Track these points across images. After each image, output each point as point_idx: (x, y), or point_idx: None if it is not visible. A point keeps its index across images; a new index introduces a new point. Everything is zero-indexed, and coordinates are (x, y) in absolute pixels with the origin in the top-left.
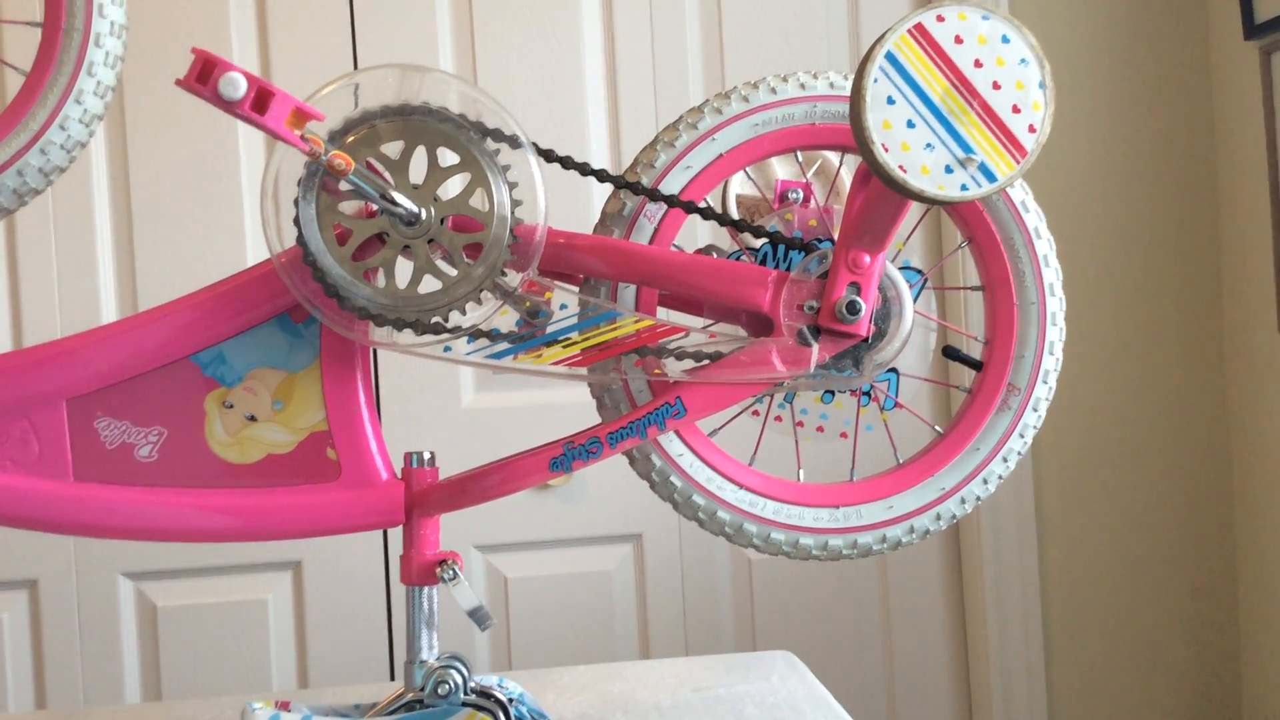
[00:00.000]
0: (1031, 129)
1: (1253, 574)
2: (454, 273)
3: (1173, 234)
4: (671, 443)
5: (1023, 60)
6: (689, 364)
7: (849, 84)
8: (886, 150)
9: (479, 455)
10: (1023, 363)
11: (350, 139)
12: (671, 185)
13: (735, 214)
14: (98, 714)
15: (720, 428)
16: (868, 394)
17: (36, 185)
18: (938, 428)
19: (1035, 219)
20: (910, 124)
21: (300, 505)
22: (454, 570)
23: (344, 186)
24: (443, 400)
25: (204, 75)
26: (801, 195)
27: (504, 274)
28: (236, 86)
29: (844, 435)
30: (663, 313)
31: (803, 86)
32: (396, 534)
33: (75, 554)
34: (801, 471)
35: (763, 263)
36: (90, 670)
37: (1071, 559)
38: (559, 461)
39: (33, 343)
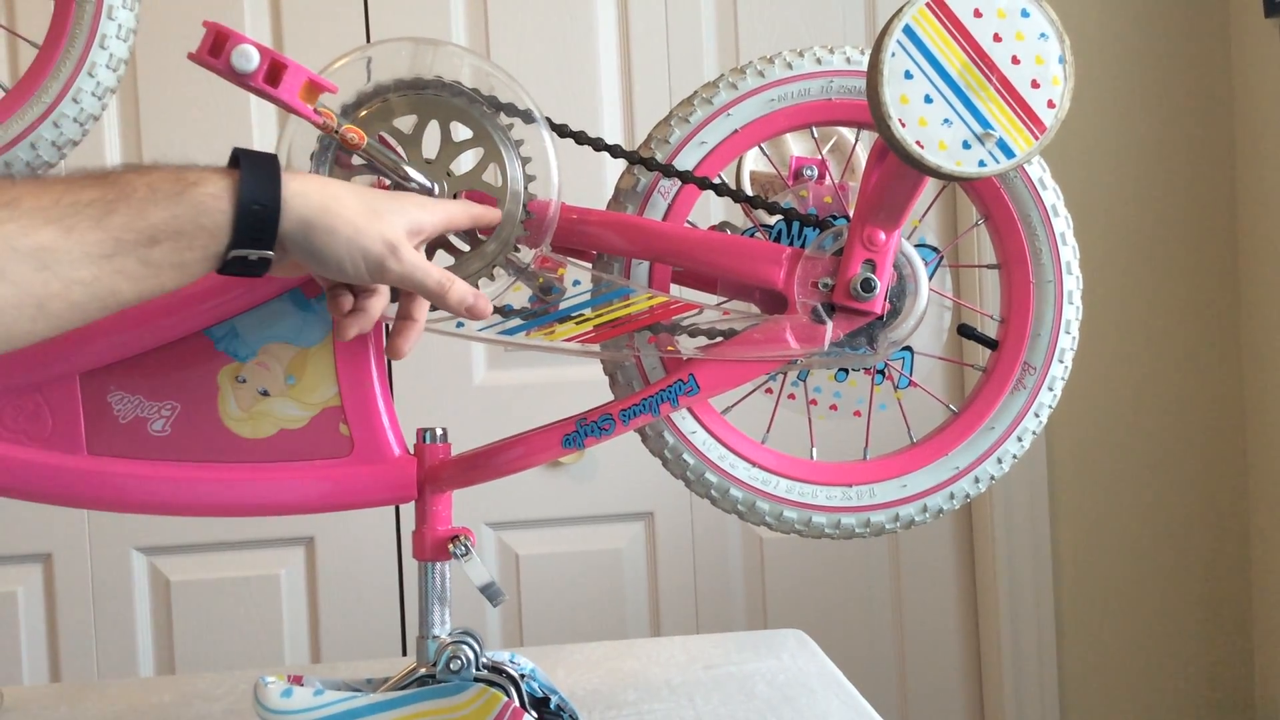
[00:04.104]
0: (1050, 104)
1: (1266, 555)
2: (467, 248)
3: (1191, 213)
4: (684, 420)
5: (1042, 35)
6: (702, 341)
7: (866, 58)
8: (904, 125)
9: (491, 432)
10: (1038, 341)
11: (363, 113)
12: (686, 161)
13: (750, 190)
14: (112, 687)
15: (733, 405)
16: (882, 372)
17: (49, 158)
18: (952, 406)
19: (1053, 196)
20: (928, 99)
21: (313, 480)
22: (466, 546)
23: (356, 161)
24: (455, 377)
25: (216, 48)
26: (816, 172)
27: (517, 250)
28: (249, 59)
29: (857, 414)
30: (676, 289)
31: (819, 61)
32: (409, 509)
33: (89, 528)
34: (815, 450)
35: (777, 240)
36: (104, 644)
37: (1084, 539)
38: (571, 438)
39: None
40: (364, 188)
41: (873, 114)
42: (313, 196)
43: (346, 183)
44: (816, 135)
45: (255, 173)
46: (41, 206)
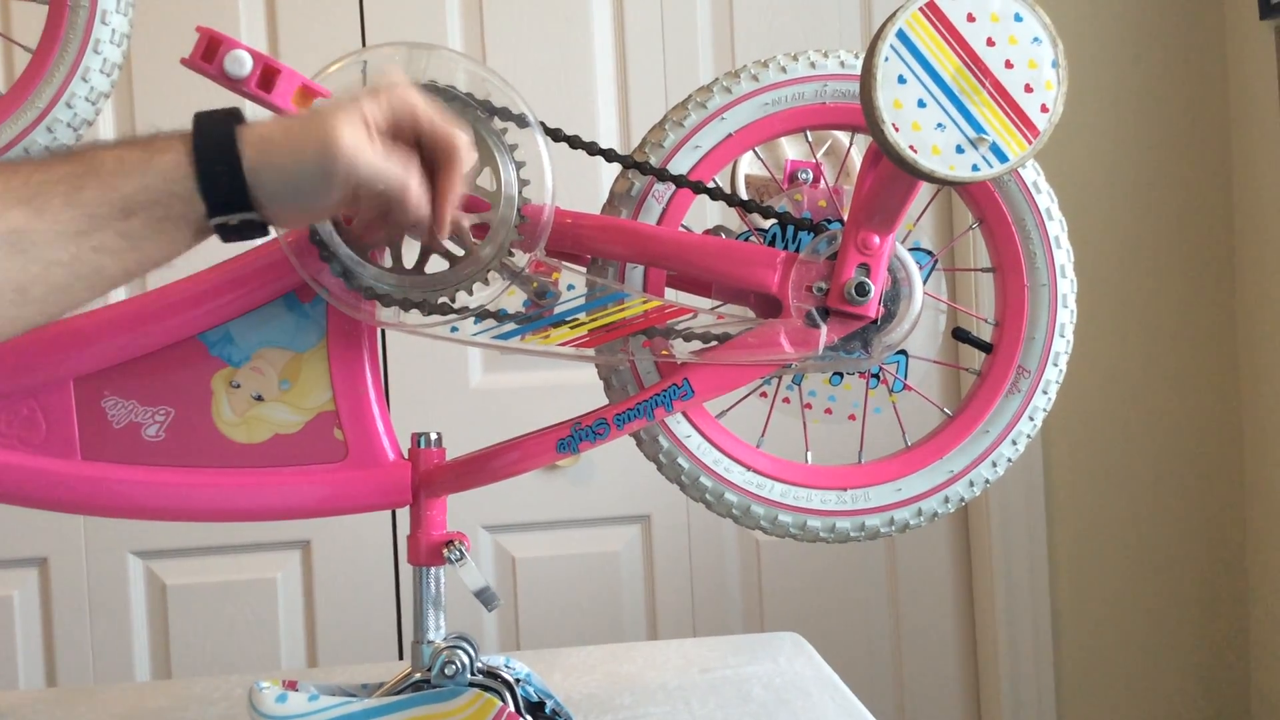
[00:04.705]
0: (1044, 109)
1: (1262, 557)
2: (461, 253)
3: (1186, 215)
4: (679, 424)
5: (1035, 39)
6: (697, 345)
7: (860, 63)
8: (897, 130)
9: (487, 436)
10: (1033, 345)
11: None
12: (680, 165)
13: (744, 194)
14: (108, 692)
15: (728, 409)
16: (876, 376)
17: None
18: (947, 410)
19: (1047, 200)
20: (921, 103)
21: (307, 485)
22: (460, 551)
23: None
24: (451, 381)
25: (209, 53)
26: (811, 175)
27: (511, 254)
28: (242, 64)
29: (852, 417)
30: (671, 293)
31: (813, 65)
32: (405, 513)
33: (85, 532)
34: (809, 454)
35: (771, 244)
36: (100, 648)
37: (1080, 541)
38: (566, 443)
39: None
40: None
41: (866, 118)
42: (266, 134)
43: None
44: (811, 139)
45: (210, 131)
46: (10, 188)
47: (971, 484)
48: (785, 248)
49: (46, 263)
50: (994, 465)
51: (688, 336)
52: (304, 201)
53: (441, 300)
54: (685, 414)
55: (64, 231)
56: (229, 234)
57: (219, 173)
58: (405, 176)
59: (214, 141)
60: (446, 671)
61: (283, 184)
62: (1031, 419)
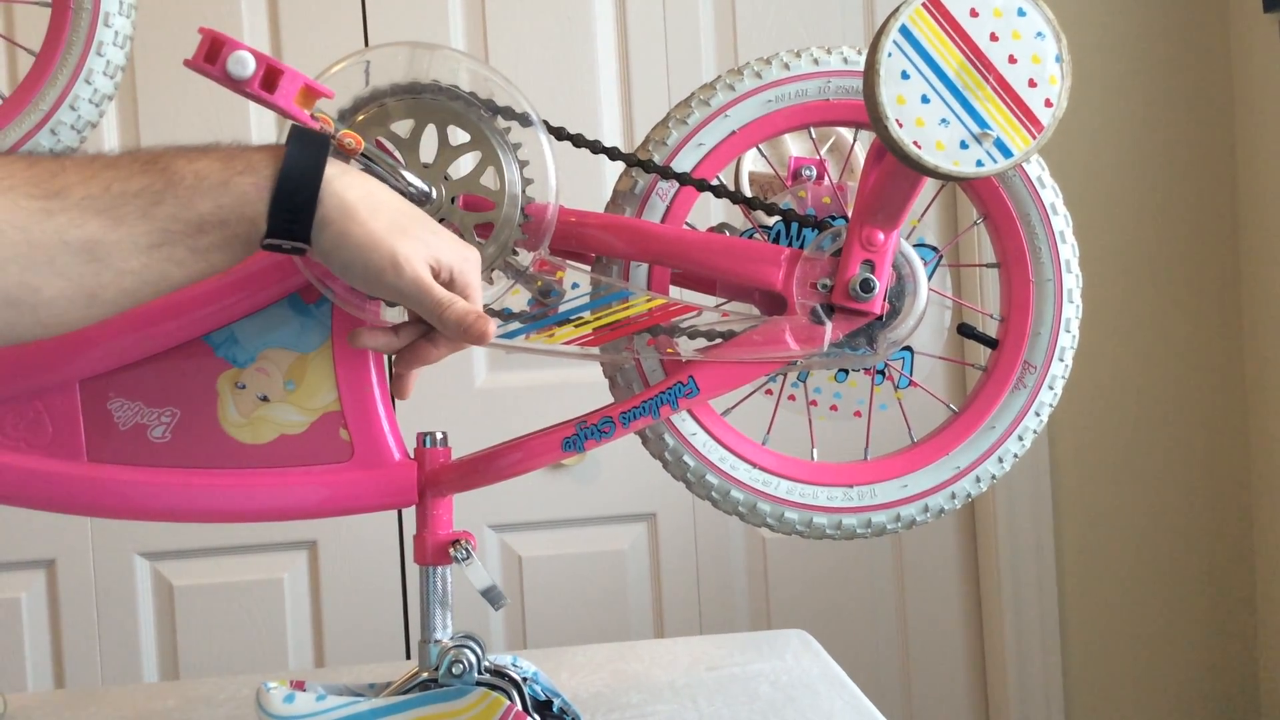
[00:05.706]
0: (1048, 103)
1: (1269, 551)
2: None
3: (1191, 209)
4: (684, 422)
5: (1039, 34)
6: (702, 343)
7: (863, 59)
8: (901, 126)
9: (492, 435)
10: (1039, 340)
11: (360, 117)
12: (684, 163)
13: (748, 191)
14: (116, 693)
15: (733, 407)
16: (882, 372)
17: None
18: (952, 406)
19: (1051, 194)
20: (925, 99)
21: (313, 486)
22: (467, 550)
23: (354, 166)
24: (456, 380)
25: (212, 55)
26: (815, 172)
27: (515, 253)
28: (245, 65)
29: (858, 414)
30: (675, 291)
31: (816, 62)
32: (412, 512)
33: (92, 534)
34: (815, 450)
35: (776, 241)
36: (108, 649)
37: (1087, 537)
38: (571, 441)
39: None
40: (414, 207)
41: (870, 114)
42: (349, 200)
43: (394, 192)
44: (814, 136)
45: (296, 173)
46: (91, 195)
47: (978, 480)
48: (790, 245)
49: (118, 271)
50: (1000, 461)
51: (692, 334)
52: (346, 276)
53: None
54: (690, 412)
55: (138, 244)
56: (272, 250)
57: (294, 215)
58: (444, 299)
59: (300, 184)
60: (454, 670)
61: (338, 254)
62: (1038, 415)
